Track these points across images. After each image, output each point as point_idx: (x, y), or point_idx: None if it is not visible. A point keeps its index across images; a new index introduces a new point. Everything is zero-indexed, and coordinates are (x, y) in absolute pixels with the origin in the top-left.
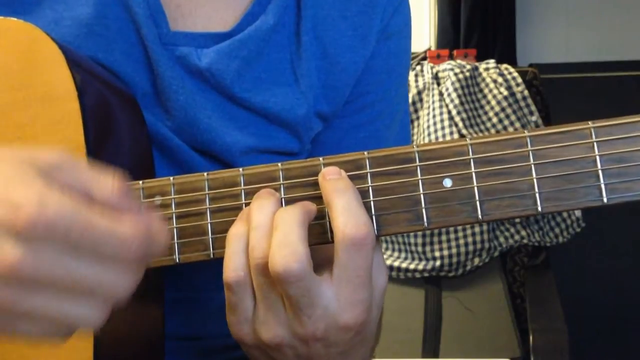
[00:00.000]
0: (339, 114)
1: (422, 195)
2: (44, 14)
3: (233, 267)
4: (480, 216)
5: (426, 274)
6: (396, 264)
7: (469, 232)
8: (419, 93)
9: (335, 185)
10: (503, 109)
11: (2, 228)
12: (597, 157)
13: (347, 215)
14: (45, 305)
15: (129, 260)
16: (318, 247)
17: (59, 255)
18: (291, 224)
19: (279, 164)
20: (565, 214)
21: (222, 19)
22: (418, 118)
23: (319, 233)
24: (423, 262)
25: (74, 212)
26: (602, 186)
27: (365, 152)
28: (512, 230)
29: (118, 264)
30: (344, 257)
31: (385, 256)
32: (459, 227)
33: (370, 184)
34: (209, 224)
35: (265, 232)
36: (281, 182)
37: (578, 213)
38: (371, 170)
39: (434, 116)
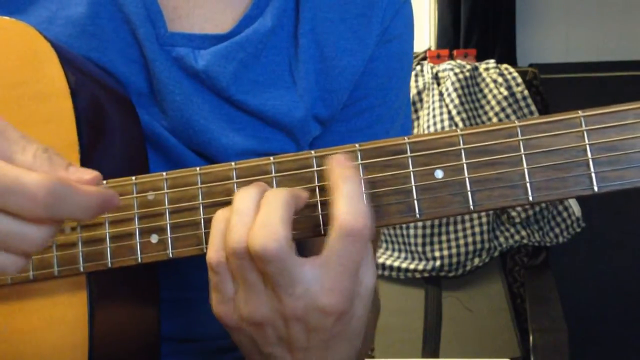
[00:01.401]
0: (337, 118)
1: (413, 187)
2: (38, 13)
3: (214, 249)
4: (471, 206)
5: (426, 274)
6: (396, 264)
7: (469, 232)
8: (419, 93)
9: (344, 171)
10: (503, 109)
11: None
12: (587, 146)
13: (348, 204)
14: None
15: (37, 214)
16: (320, 239)
17: None
18: (275, 205)
19: (271, 158)
20: (565, 214)
21: (219, 21)
22: (418, 118)
23: (313, 226)
24: (423, 262)
25: None
26: (593, 175)
27: (357, 145)
28: (512, 230)
29: (28, 217)
30: (336, 244)
31: (385, 256)
32: (459, 227)
33: (361, 176)
34: (202, 219)
35: (243, 218)
36: (273, 175)
37: (578, 213)
38: (362, 162)
39: (434, 116)
